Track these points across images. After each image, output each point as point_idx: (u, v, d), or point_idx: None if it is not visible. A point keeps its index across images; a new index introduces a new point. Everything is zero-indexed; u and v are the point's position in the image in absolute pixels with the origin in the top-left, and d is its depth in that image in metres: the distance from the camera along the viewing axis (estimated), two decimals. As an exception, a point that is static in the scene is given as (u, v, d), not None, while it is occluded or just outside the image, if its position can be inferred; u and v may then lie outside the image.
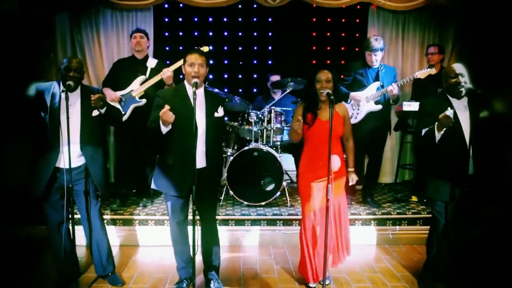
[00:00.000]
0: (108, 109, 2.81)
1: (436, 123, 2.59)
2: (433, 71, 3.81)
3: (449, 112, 2.51)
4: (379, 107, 3.91)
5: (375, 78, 3.94)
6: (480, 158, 2.73)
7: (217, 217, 3.14)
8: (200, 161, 2.62)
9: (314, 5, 4.81)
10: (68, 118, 2.52)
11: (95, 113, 2.77)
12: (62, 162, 2.66)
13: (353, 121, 3.81)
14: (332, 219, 2.82)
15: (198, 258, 2.96)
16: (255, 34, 5.46)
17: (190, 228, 2.83)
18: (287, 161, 4.64)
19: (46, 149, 2.70)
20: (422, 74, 3.80)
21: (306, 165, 2.90)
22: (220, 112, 2.72)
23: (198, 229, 2.86)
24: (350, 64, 4.11)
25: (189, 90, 2.63)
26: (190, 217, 2.97)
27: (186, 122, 2.54)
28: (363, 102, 3.91)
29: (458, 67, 2.70)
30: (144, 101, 3.82)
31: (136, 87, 3.83)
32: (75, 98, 2.75)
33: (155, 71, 3.83)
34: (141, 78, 3.84)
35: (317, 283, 2.98)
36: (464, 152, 2.68)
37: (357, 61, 4.05)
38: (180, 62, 3.68)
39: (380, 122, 3.99)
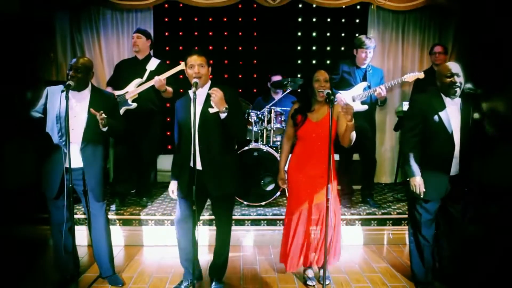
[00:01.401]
0: (109, 128, 2.73)
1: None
2: (421, 75, 3.78)
3: None
4: (365, 107, 3.90)
5: (363, 78, 3.94)
6: (470, 158, 2.73)
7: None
8: (198, 163, 2.60)
9: (314, 5, 4.83)
10: (67, 117, 2.51)
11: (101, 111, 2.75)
12: (67, 162, 2.66)
13: None
14: (316, 222, 2.83)
15: (199, 259, 2.96)
16: (255, 34, 5.46)
17: (206, 228, 2.87)
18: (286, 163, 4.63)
19: (55, 149, 2.70)
20: (410, 77, 3.78)
21: (294, 163, 2.91)
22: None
23: (200, 229, 2.88)
24: (338, 62, 4.12)
25: (191, 92, 2.64)
26: (209, 217, 2.99)
27: (185, 124, 2.62)
28: (349, 102, 3.89)
29: (454, 67, 2.68)
30: (135, 105, 3.78)
31: (131, 89, 3.80)
32: (82, 98, 2.74)
33: (155, 73, 3.79)
34: (137, 81, 3.81)
35: (316, 281, 2.99)
36: (451, 151, 2.68)
37: (346, 60, 4.06)
38: (175, 70, 3.69)
39: (366, 123, 3.97)
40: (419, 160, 2.75)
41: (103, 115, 2.62)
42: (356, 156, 4.31)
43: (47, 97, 2.75)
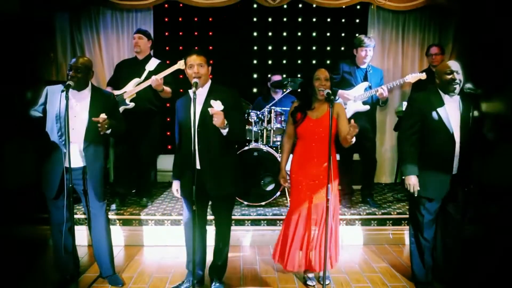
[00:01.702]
0: (111, 130, 2.74)
1: None
2: (423, 76, 3.78)
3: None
4: (367, 107, 3.90)
5: (364, 79, 3.94)
6: (470, 157, 2.73)
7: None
8: (197, 163, 2.61)
9: (314, 5, 4.83)
10: (67, 117, 2.51)
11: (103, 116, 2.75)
12: (67, 162, 2.65)
13: None
14: (317, 222, 2.82)
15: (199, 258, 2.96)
16: (255, 34, 5.46)
17: (210, 228, 2.89)
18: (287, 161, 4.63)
19: (55, 149, 2.70)
20: (412, 78, 3.76)
21: (295, 162, 2.91)
22: (216, 106, 2.52)
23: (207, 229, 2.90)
24: (338, 62, 4.12)
25: (191, 92, 2.63)
26: (210, 217, 3.00)
27: (185, 124, 2.63)
28: (351, 102, 3.90)
29: (454, 64, 2.69)
30: (132, 104, 3.79)
31: (130, 89, 3.81)
32: (82, 98, 2.75)
33: (154, 73, 3.77)
34: (135, 80, 3.82)
35: (316, 281, 2.99)
36: (452, 150, 2.68)
37: (346, 60, 4.06)
38: (171, 69, 3.69)
39: (367, 123, 3.98)
40: (417, 158, 2.75)
41: (106, 119, 2.62)
42: (356, 156, 4.31)
43: (46, 97, 2.76)
